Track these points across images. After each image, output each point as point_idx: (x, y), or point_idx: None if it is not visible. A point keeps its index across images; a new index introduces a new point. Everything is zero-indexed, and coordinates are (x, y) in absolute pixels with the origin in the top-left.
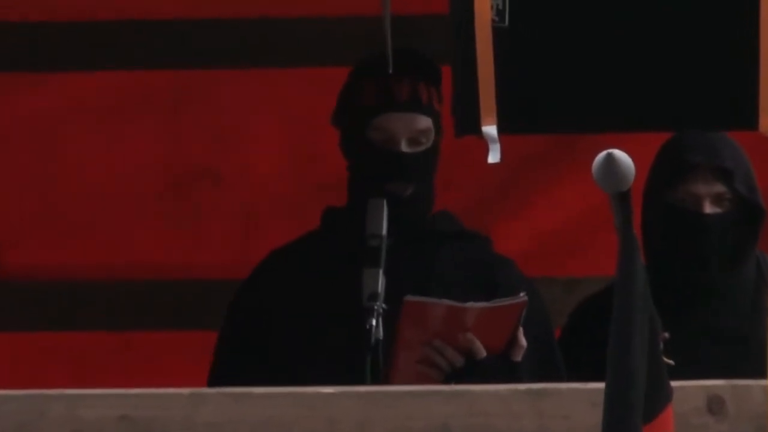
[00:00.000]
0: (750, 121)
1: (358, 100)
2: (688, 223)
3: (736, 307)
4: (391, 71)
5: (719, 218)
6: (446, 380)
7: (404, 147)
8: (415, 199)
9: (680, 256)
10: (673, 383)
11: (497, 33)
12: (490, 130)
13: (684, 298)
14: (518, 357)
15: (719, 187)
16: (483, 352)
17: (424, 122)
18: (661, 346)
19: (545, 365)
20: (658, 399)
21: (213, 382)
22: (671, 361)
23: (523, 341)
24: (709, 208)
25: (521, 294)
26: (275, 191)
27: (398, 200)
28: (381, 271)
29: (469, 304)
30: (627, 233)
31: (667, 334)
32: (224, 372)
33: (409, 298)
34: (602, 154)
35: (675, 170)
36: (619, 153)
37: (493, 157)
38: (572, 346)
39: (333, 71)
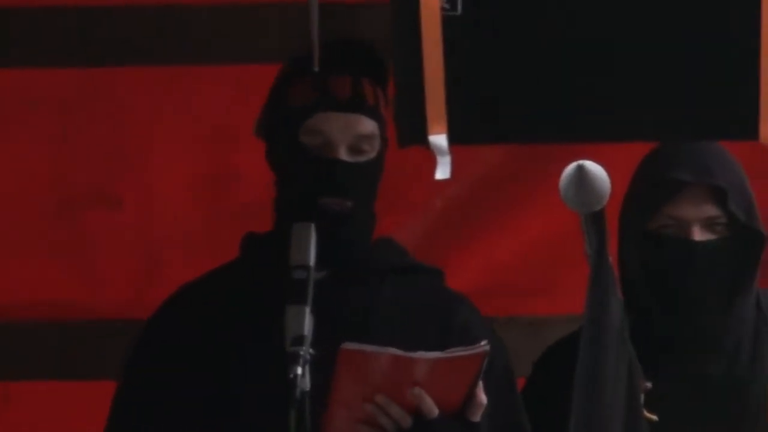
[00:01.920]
0: (749, 130)
1: (290, 101)
2: (673, 252)
3: (731, 353)
4: (316, 68)
5: (711, 246)
6: None
7: (343, 154)
8: (353, 219)
9: (664, 292)
10: None
11: (448, 22)
12: (439, 139)
13: (669, 343)
14: (477, 416)
15: (711, 210)
16: (435, 411)
17: (369, 126)
18: (642, 398)
19: (507, 424)
20: None
21: None
22: (654, 417)
23: (483, 398)
24: (698, 235)
25: (482, 342)
26: (184, 216)
27: (333, 218)
28: (308, 310)
29: (419, 354)
30: (600, 262)
31: (648, 385)
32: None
33: (347, 346)
34: (572, 166)
35: (657, 190)
36: (591, 165)
37: (443, 172)
38: (538, 400)
39: (256, 69)
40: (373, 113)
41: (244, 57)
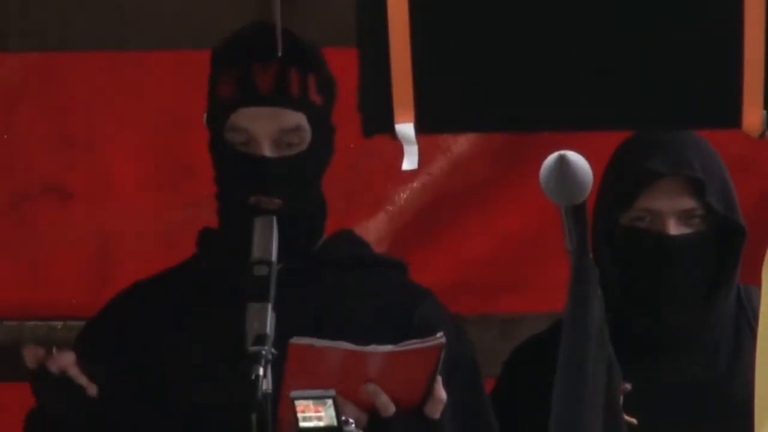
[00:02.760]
0: (731, 118)
1: (215, 93)
2: (648, 247)
3: (711, 352)
4: (279, 53)
5: (687, 241)
6: None
7: (268, 150)
8: (289, 216)
9: (640, 289)
10: None
11: (415, 6)
12: (406, 128)
13: (647, 343)
14: (436, 413)
15: (687, 202)
16: (391, 408)
17: (294, 119)
18: (621, 400)
19: (473, 424)
20: None
21: None
22: (633, 420)
23: (442, 394)
24: (674, 229)
25: (438, 334)
26: (138, 210)
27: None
28: (270, 307)
29: (372, 348)
30: (581, 257)
31: (628, 386)
32: None
33: (295, 341)
34: (553, 156)
35: (631, 182)
36: (573, 155)
37: (410, 162)
38: (509, 400)
39: (208, 55)
40: (300, 104)
41: (196, 42)
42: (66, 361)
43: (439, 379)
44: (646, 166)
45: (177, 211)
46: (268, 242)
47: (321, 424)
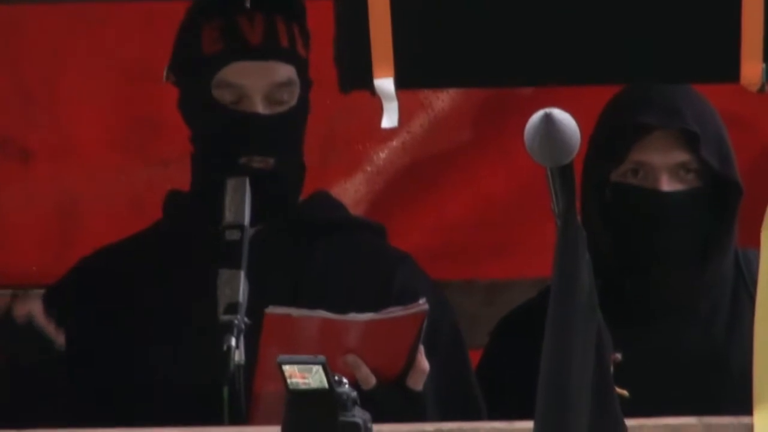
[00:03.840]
0: (729, 72)
1: (197, 48)
2: (640, 204)
3: (708, 319)
4: (248, 5)
5: (681, 197)
6: None
7: (261, 107)
8: (279, 176)
9: (631, 250)
10: (628, 420)
11: None
12: (385, 84)
13: (639, 309)
14: (418, 384)
15: (680, 155)
16: (372, 380)
17: (286, 72)
18: (612, 370)
19: (456, 396)
20: None
21: None
22: (625, 391)
23: (425, 364)
24: (667, 184)
25: (420, 301)
26: (103, 170)
27: (257, 178)
28: (242, 274)
29: (351, 316)
30: (568, 220)
31: (619, 356)
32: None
33: (271, 310)
34: (538, 114)
35: (622, 135)
36: (559, 113)
37: (390, 120)
38: (495, 371)
39: (178, 6)
40: (289, 57)
41: None
42: (32, 307)
43: (422, 348)
44: (637, 118)
45: (143, 171)
46: (240, 205)
47: (310, 386)
